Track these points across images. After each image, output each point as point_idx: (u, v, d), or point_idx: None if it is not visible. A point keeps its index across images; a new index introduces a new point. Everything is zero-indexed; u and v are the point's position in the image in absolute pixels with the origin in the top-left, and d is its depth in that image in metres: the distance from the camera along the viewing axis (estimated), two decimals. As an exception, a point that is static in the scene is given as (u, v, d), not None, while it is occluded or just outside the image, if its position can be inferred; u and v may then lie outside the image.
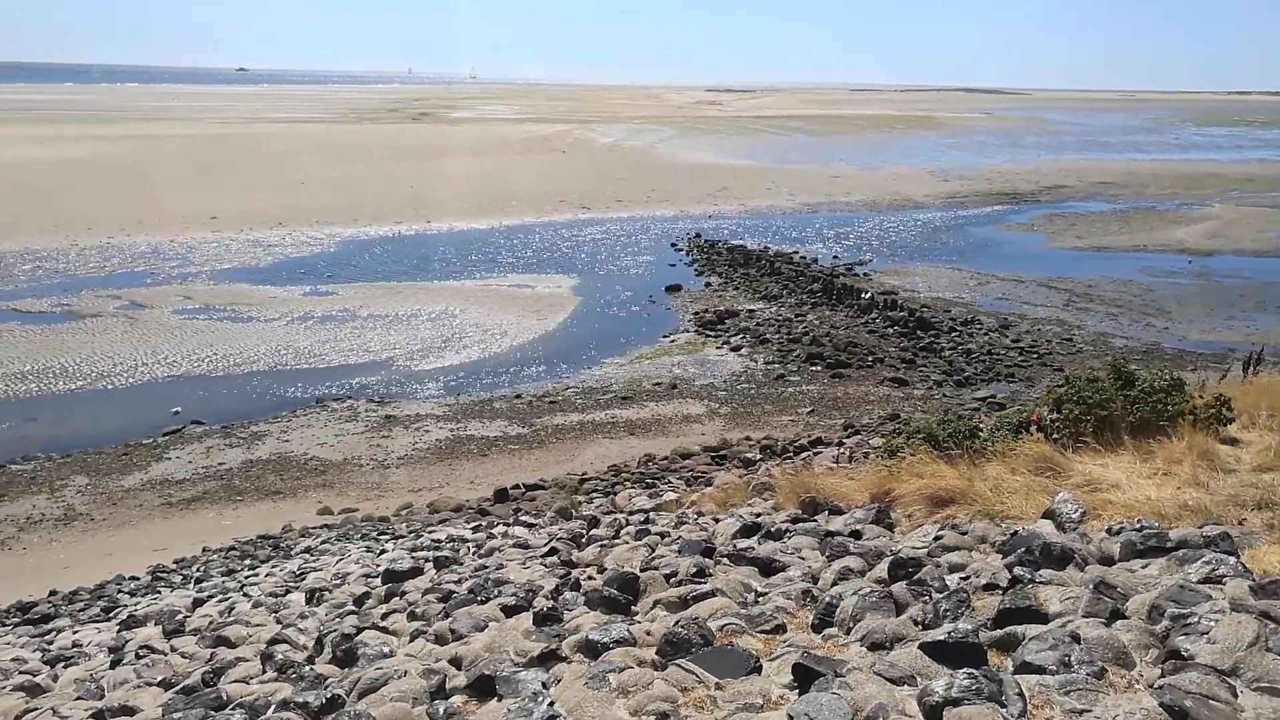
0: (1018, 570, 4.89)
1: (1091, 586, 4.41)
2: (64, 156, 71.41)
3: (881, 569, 5.89)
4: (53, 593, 14.38)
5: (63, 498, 19.04)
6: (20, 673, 8.80)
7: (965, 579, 5.20)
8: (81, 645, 9.86)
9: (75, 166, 66.31)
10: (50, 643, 10.52)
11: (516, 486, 18.74)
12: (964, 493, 7.22)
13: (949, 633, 4.14)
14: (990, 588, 4.95)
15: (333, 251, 43.40)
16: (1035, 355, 28.39)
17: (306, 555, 13.99)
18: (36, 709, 7.23)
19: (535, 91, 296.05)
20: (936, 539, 6.33)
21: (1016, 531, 5.83)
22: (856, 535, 7.14)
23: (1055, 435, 7.58)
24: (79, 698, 7.41)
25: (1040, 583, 4.67)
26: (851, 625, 4.97)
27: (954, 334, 30.47)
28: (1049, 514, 6.14)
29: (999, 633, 4.28)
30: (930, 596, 4.95)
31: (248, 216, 49.67)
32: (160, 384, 25.73)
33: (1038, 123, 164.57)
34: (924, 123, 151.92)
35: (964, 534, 6.26)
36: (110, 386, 25.35)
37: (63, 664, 9.07)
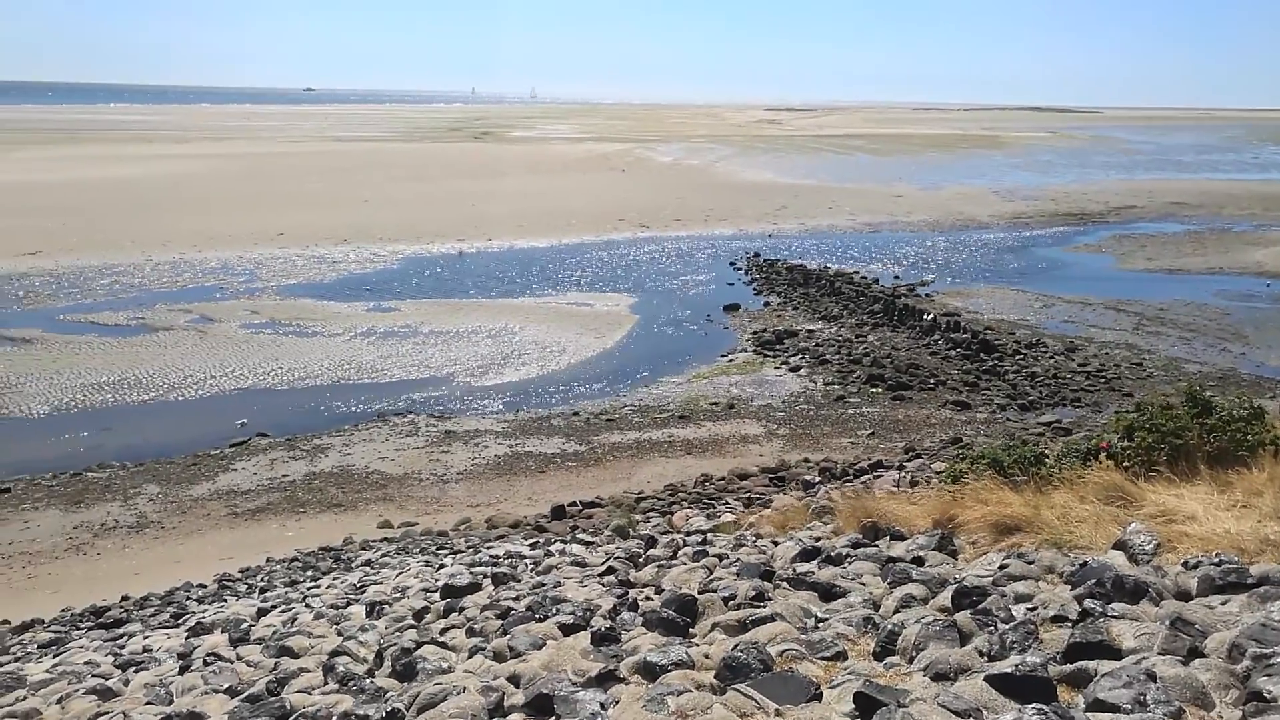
0: (1088, 603, 4.77)
1: (1168, 623, 4.28)
2: (142, 174, 73.86)
3: (945, 597, 5.79)
4: (125, 598, 14.76)
5: (135, 505, 19.57)
6: (93, 676, 9.05)
7: (1032, 610, 5.08)
8: (152, 650, 10.10)
9: (151, 184, 68.53)
10: (122, 647, 10.80)
11: (573, 504, 18.80)
12: (1030, 520, 7.07)
13: (1016, 665, 4.05)
14: (1059, 620, 4.83)
15: (395, 268, 44.16)
16: (1103, 380, 27.71)
17: (367, 568, 14.18)
18: (108, 713, 7.42)
19: (595, 110, 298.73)
20: (1002, 568, 6.21)
21: (1086, 562, 5.68)
22: (919, 562, 7.03)
23: (1126, 464, 7.39)
24: (149, 702, 7.59)
25: (1112, 616, 4.54)
26: (914, 654, 4.88)
27: (1018, 357, 29.90)
28: (1120, 545, 5.97)
29: (1069, 667, 4.17)
30: (996, 627, 4.85)
31: (313, 233, 50.80)
32: (227, 396, 26.38)
33: (1107, 141, 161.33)
34: (988, 142, 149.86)
35: (1030, 563, 6.12)
36: (180, 398, 26.05)
37: (134, 668, 9.29)
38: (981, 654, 4.59)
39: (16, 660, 11.41)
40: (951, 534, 7.66)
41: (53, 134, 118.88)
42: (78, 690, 8.44)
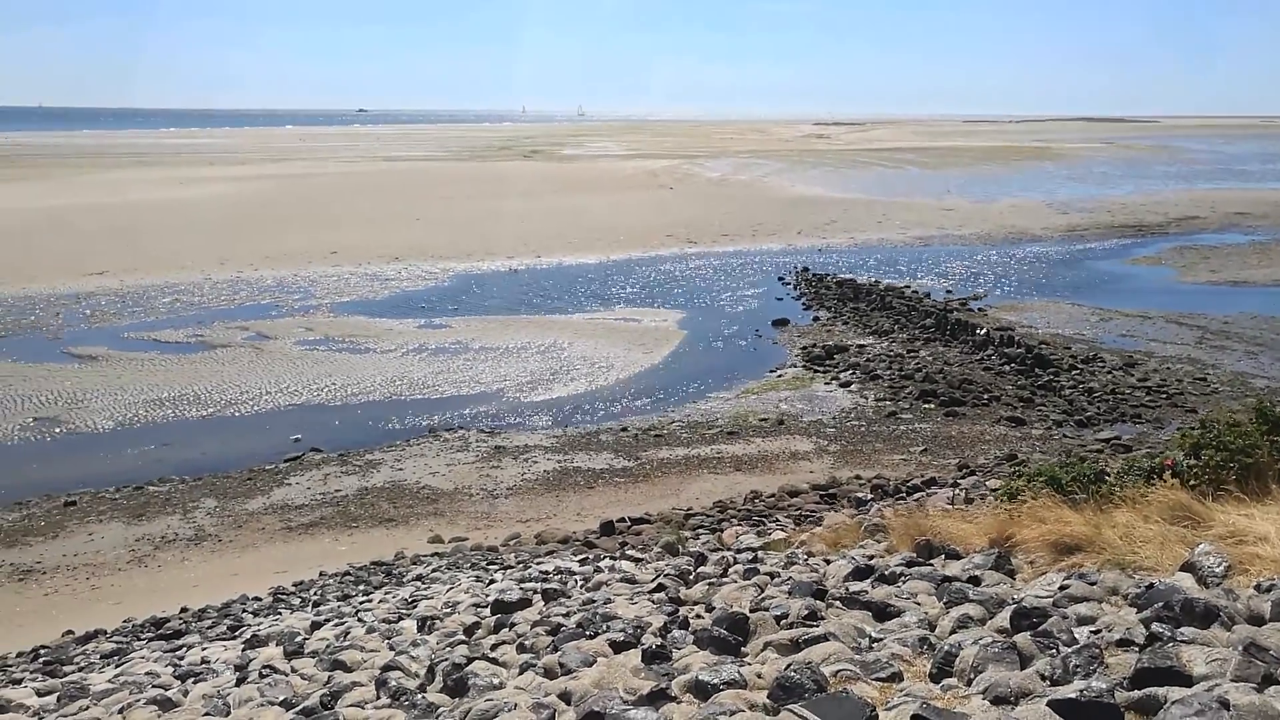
0: (1156, 627, 4.63)
1: (1241, 648, 4.13)
2: (202, 196, 75.69)
3: (1003, 618, 5.66)
4: (183, 609, 15.04)
5: (194, 519, 19.96)
6: (153, 686, 9.21)
7: (1096, 633, 4.94)
8: (210, 662, 10.27)
9: (211, 205, 70.19)
10: (181, 658, 10.99)
11: (622, 520, 18.77)
12: (1091, 540, 6.89)
13: (1081, 691, 3.94)
14: (1124, 644, 4.69)
15: (446, 285, 44.66)
16: (1164, 395, 27.01)
17: (418, 583, 14.28)
18: (167, 723, 7.54)
19: (643, 128, 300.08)
20: (1062, 588, 6.06)
21: (1153, 584, 5.52)
22: (975, 581, 6.89)
23: (1193, 482, 7.18)
24: (207, 714, 7.71)
25: (1182, 641, 4.40)
26: (972, 676, 4.78)
27: (1075, 372, 29.29)
28: (1188, 567, 5.79)
29: (1137, 694, 4.04)
30: (1058, 650, 4.73)
31: (366, 251, 51.60)
32: (282, 412, 26.83)
33: (1166, 151, 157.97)
34: (1041, 153, 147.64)
35: (1093, 584, 5.97)
36: (237, 414, 26.56)
37: (192, 679, 9.45)
38: (1043, 678, 4.47)
39: (80, 670, 11.68)
40: (1009, 553, 7.50)
41: (117, 158, 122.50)
42: (139, 700, 8.60)
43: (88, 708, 8.94)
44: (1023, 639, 4.96)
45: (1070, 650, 4.58)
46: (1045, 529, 7.35)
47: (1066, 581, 6.18)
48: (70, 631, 14.63)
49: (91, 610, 15.91)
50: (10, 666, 12.96)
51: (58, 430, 24.98)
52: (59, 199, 71.73)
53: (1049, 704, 3.92)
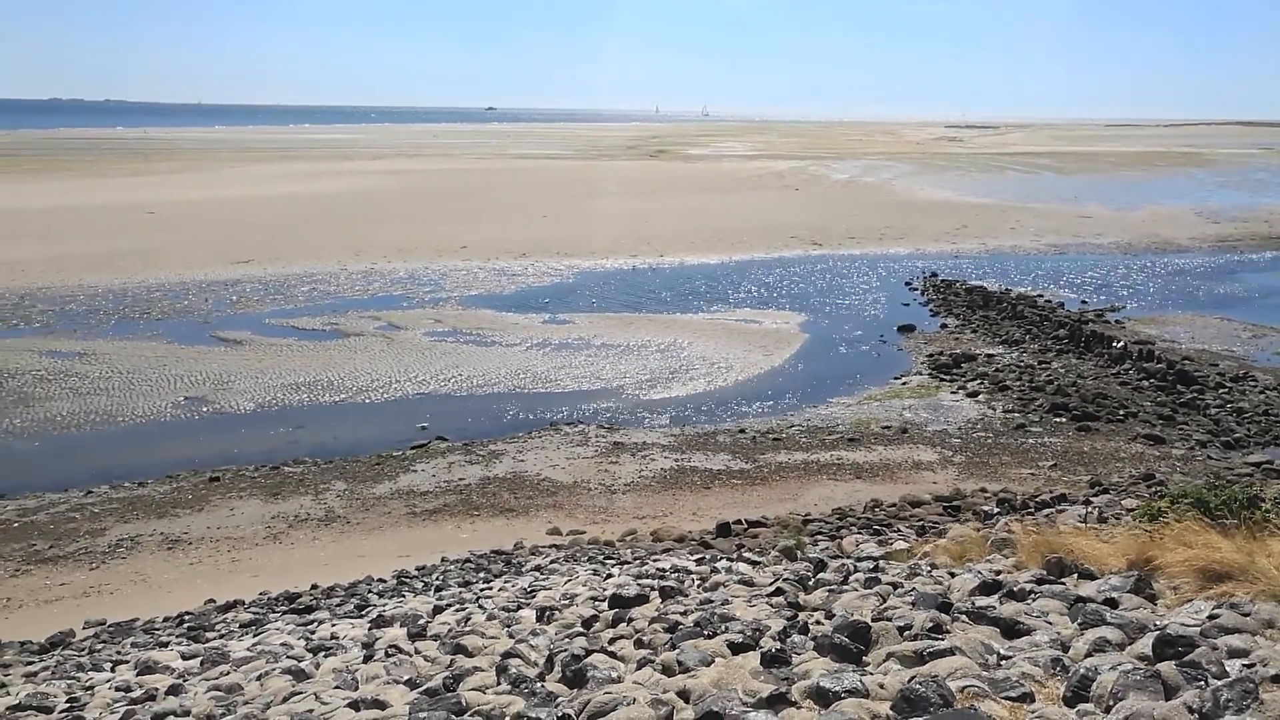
0: (1317, 663, 4.34)
1: None
2: (341, 189, 79.06)
3: (1144, 644, 5.40)
4: (314, 586, 15.72)
5: (324, 500, 20.86)
6: (288, 657, 9.68)
7: (1249, 667, 4.66)
8: (339, 638, 10.71)
9: (349, 197, 73.25)
10: (312, 632, 11.51)
11: (739, 522, 18.67)
12: (1243, 569, 6.49)
13: (1234, 726, 3.73)
14: (1281, 680, 4.42)
15: (570, 282, 45.35)
16: (1324, 419, 25.22)
17: (536, 573, 14.55)
18: (301, 693, 7.91)
19: (769, 128, 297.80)
20: (1211, 618, 5.73)
21: (1313, 619, 5.18)
22: (1112, 604, 6.58)
23: (1360, 513, 6.69)
24: (337, 687, 8.04)
25: (1347, 681, 4.11)
26: (1111, 704, 4.57)
27: (1222, 390, 27.63)
28: (1353, 602, 5.41)
29: (1295, 733, 3.81)
30: (1207, 682, 4.48)
31: (494, 246, 52.88)
32: (410, 400, 27.76)
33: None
34: (1189, 159, 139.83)
35: (1246, 615, 5.63)
36: (367, 400, 27.62)
37: (323, 653, 9.88)
38: (1191, 710, 4.25)
39: (221, 637, 12.37)
40: (1149, 576, 7.14)
41: (263, 152, 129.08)
42: (275, 669, 9.05)
43: (228, 673, 9.46)
44: (1167, 668, 4.72)
45: (1221, 684, 4.34)
46: (1191, 554, 6.96)
47: (1216, 610, 5.85)
48: (212, 600, 15.51)
49: (231, 581, 16.83)
50: (157, 630, 13.84)
51: (205, 409, 26.50)
52: (212, 191, 76.08)
53: (1198, 738, 3.73)
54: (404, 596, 13.99)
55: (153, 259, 47.46)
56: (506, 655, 8.08)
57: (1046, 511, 16.19)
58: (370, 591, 14.95)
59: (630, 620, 8.82)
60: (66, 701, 9.21)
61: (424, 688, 7.45)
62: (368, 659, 9.19)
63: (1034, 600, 6.98)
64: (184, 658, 10.74)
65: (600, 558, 15.79)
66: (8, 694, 10.06)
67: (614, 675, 6.74)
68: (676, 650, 6.87)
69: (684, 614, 8.53)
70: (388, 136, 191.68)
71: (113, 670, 10.86)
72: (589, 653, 7.55)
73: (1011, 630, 6.30)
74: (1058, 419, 25.76)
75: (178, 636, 12.97)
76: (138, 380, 28.68)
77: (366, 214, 64.57)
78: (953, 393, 28.40)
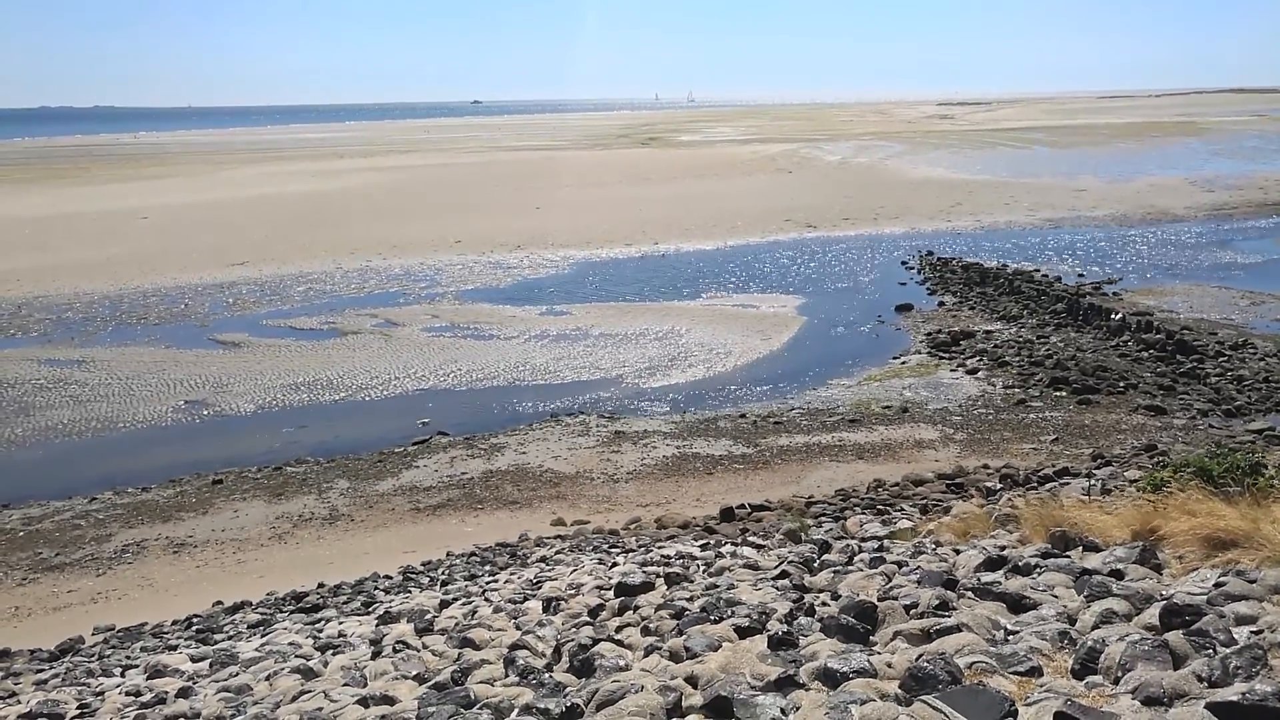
0: (1325, 628, 4.33)
1: None
2: (334, 187, 78.87)
3: (1151, 614, 5.40)
4: (321, 584, 15.73)
5: (328, 499, 20.86)
6: (296, 656, 9.68)
7: (1258, 633, 4.66)
8: (346, 635, 10.72)
9: (342, 196, 73.08)
10: (320, 631, 11.52)
11: (742, 506, 18.69)
12: (1248, 536, 6.49)
13: (1243, 694, 3.72)
14: (1289, 645, 4.41)
15: (566, 273, 45.28)
16: (1325, 384, 25.22)
17: (542, 564, 14.56)
18: (310, 691, 7.91)
19: (759, 112, 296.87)
20: (1218, 585, 5.73)
21: (1320, 584, 5.17)
22: (1117, 575, 6.58)
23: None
24: (346, 684, 8.05)
25: (1355, 644, 4.11)
26: (1120, 674, 4.57)
27: (1221, 359, 27.61)
28: (1359, 565, 5.41)
29: (1305, 698, 3.79)
30: (1215, 650, 4.48)
31: (489, 240, 52.78)
32: (410, 396, 27.74)
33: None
34: (1183, 129, 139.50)
35: (1252, 582, 5.62)
36: (367, 398, 27.60)
37: (331, 651, 9.89)
38: (1200, 679, 4.24)
39: (229, 638, 12.38)
40: (1154, 547, 7.14)
41: (255, 153, 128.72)
42: (284, 669, 9.06)
43: (237, 674, 9.47)
44: (1175, 637, 4.72)
45: (1230, 651, 4.33)
46: (1196, 522, 6.96)
47: (1222, 579, 5.84)
48: (219, 602, 15.52)
49: (238, 582, 16.84)
50: (166, 633, 13.85)
51: (205, 412, 26.47)
52: (205, 194, 75.88)
53: (1208, 706, 3.72)
54: (410, 592, 14.01)
55: (147, 264, 47.38)
56: (514, 647, 8.09)
57: (1049, 485, 16.19)
58: (376, 588, 14.97)
59: (636, 608, 8.83)
60: (78, 708, 9.22)
61: (432, 682, 7.46)
62: (376, 655, 9.20)
63: (1039, 574, 6.99)
64: (193, 660, 10.75)
65: (605, 547, 15.81)
66: (19, 702, 10.07)
67: (621, 663, 6.75)
68: (683, 636, 6.88)
69: (690, 600, 8.54)
70: (375, 133, 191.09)
71: (123, 675, 10.88)
72: (596, 642, 7.56)
73: (1018, 605, 6.30)
74: (1058, 393, 25.75)
75: (186, 639, 12.98)
76: (137, 386, 28.65)
77: (359, 212, 64.44)
78: (952, 370, 28.39)
